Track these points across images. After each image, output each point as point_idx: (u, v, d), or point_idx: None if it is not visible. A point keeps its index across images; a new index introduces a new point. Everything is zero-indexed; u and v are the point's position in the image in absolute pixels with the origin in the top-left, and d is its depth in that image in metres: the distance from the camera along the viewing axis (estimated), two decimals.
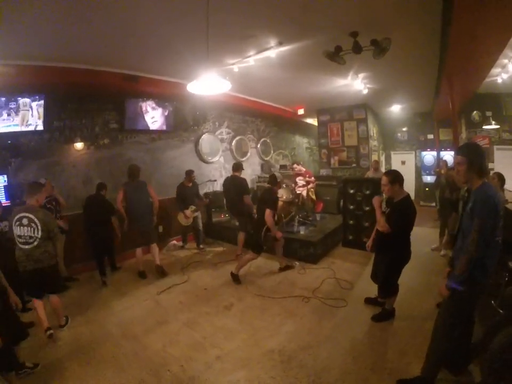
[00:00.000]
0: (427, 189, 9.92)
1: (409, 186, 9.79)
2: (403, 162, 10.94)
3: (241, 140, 9.09)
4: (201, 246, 6.75)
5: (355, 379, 2.88)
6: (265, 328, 3.80)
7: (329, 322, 3.85)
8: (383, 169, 8.95)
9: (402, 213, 3.26)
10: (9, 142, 4.98)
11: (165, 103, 6.79)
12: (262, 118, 9.78)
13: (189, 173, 6.48)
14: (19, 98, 4.89)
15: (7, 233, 3.73)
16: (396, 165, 11.04)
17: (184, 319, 4.01)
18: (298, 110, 9.65)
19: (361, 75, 6.25)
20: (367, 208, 5.92)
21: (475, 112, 8.93)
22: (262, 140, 9.86)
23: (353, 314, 3.97)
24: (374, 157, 9.54)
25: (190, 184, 6.50)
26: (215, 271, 5.62)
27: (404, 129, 11.19)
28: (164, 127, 6.91)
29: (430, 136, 10.48)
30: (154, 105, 6.63)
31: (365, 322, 3.77)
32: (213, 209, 7.60)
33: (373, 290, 3.89)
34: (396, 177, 3.34)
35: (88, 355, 3.44)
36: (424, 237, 6.40)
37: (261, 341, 3.55)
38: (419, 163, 10.71)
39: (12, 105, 4.84)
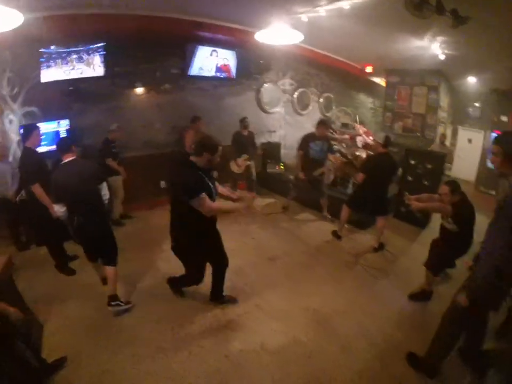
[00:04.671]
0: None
1: (471, 168, 9.10)
2: (470, 141, 9.99)
3: (303, 92, 8.79)
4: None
5: (380, 352, 3.04)
6: (305, 285, 3.99)
7: (367, 291, 3.98)
8: (447, 144, 8.38)
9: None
10: (70, 88, 5.19)
11: (228, 50, 6.69)
12: (327, 72, 9.26)
13: (242, 120, 6.40)
14: (80, 47, 5.00)
15: None
16: (462, 142, 10.16)
17: (230, 265, 4.22)
18: (367, 68, 9.05)
19: (439, 38, 5.65)
20: (426, 183, 5.68)
21: None
22: (325, 94, 9.42)
23: (391, 288, 4.05)
24: (441, 130, 8.92)
25: (246, 133, 6.48)
26: (265, 222, 5.78)
27: (477, 104, 10.13)
28: (227, 74, 6.87)
29: (504, 118, 9.49)
30: (218, 51, 6.54)
31: (400, 298, 3.82)
32: (268, 160, 7.64)
33: (416, 269, 3.86)
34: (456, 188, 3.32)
35: (135, 287, 3.81)
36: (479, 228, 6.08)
37: (299, 297, 3.74)
38: (487, 145, 9.80)
39: (74, 53, 4.98)
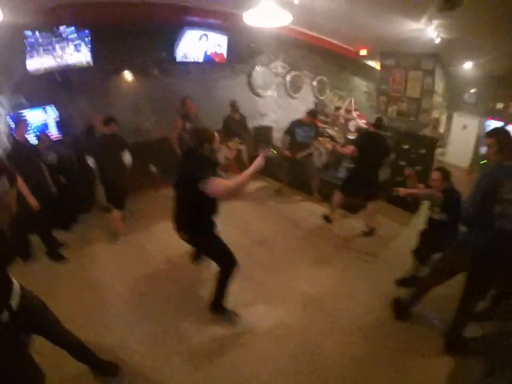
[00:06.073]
0: (482, 162, 9.10)
1: (466, 155, 9.04)
2: (464, 127, 9.84)
3: (296, 76, 8.65)
4: None
5: (363, 336, 3.08)
6: (295, 268, 4.08)
7: (356, 275, 3.98)
8: (441, 130, 8.27)
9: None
10: (57, 77, 5.03)
11: (219, 34, 6.48)
12: (321, 55, 9.08)
13: (232, 105, 6.30)
14: (66, 34, 4.80)
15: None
16: (456, 128, 10.02)
17: None
18: (361, 51, 8.84)
19: (435, 22, 5.49)
20: (418, 168, 5.50)
21: None
22: (318, 77, 9.28)
23: (379, 273, 4.02)
24: (435, 114, 8.79)
25: (237, 117, 6.36)
26: (256, 205, 5.78)
27: (473, 90, 9.98)
28: (217, 58, 6.69)
29: (500, 105, 9.24)
30: (208, 36, 6.33)
31: (388, 282, 3.81)
32: (260, 144, 7.53)
33: (405, 254, 3.86)
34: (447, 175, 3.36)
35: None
36: None
37: (289, 280, 3.83)
38: (482, 132, 9.64)
39: (59, 41, 4.78)
